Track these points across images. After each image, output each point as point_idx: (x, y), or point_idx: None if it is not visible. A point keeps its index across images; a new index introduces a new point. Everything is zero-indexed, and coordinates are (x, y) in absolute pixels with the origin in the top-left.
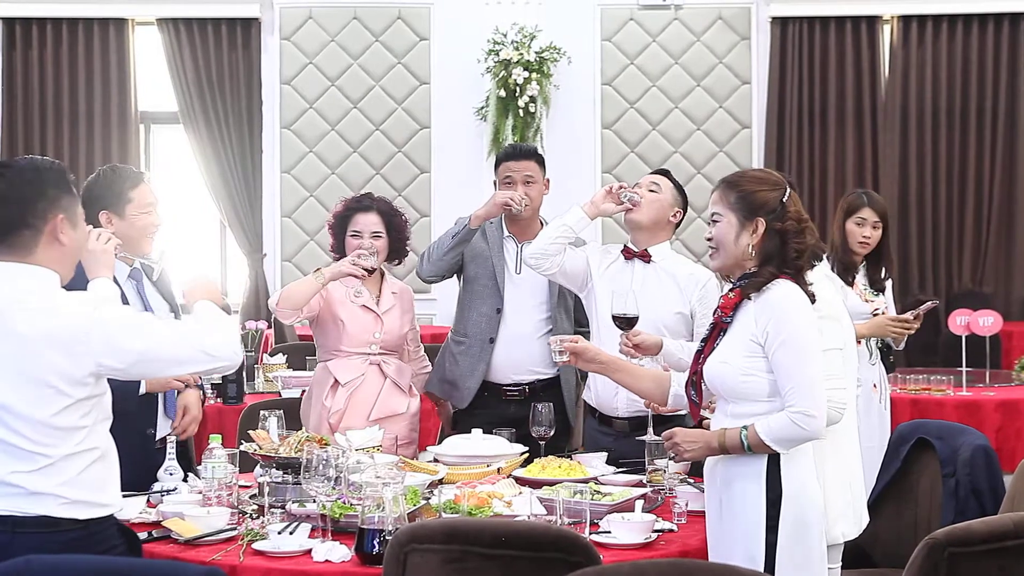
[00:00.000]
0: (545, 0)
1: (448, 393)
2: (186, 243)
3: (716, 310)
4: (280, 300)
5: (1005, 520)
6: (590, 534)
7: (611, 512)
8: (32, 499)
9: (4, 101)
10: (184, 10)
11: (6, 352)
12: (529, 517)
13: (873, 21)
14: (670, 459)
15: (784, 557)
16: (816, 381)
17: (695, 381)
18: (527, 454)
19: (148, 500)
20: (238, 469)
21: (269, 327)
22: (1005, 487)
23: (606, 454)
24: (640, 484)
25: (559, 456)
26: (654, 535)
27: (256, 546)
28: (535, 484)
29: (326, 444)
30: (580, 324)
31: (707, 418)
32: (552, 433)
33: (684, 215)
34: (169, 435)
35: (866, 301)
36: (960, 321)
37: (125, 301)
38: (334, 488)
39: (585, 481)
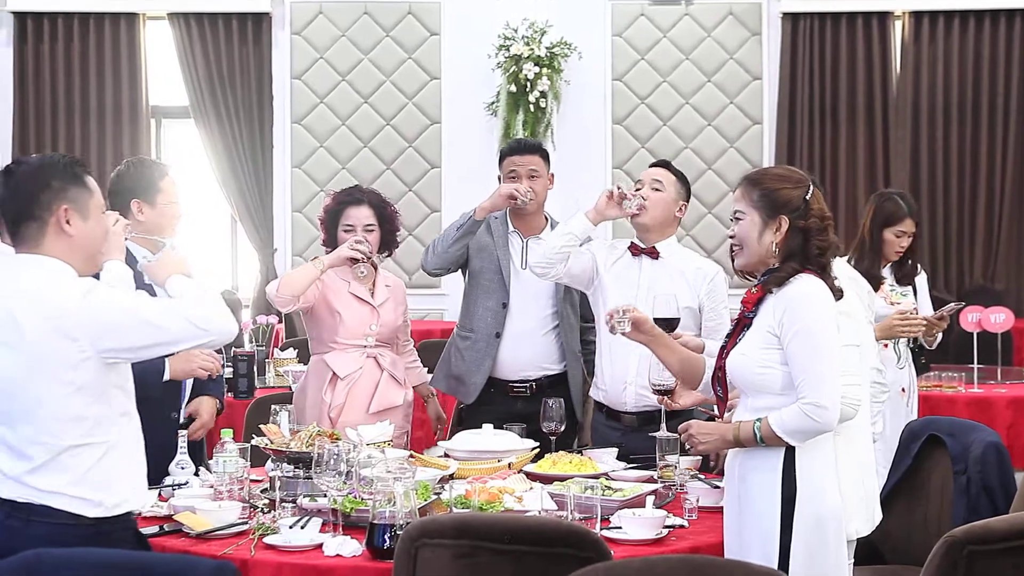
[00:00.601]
0: None
1: (454, 389)
2: (197, 237)
3: (740, 305)
4: (280, 287)
5: None
6: (601, 530)
7: (622, 508)
8: (46, 494)
9: (16, 96)
10: (195, 5)
11: (8, 337)
12: (540, 512)
13: (884, 16)
14: (686, 451)
15: (799, 556)
16: (829, 374)
17: (720, 376)
18: (538, 449)
19: (160, 494)
20: (249, 463)
21: (280, 322)
22: (1016, 484)
23: (616, 450)
24: (651, 480)
25: (569, 452)
26: (665, 531)
27: (267, 540)
28: (546, 479)
29: (337, 439)
30: (585, 320)
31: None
32: (563, 428)
33: (688, 205)
34: (182, 428)
35: (892, 304)
36: (972, 318)
37: (141, 284)
38: (345, 483)
39: (596, 477)
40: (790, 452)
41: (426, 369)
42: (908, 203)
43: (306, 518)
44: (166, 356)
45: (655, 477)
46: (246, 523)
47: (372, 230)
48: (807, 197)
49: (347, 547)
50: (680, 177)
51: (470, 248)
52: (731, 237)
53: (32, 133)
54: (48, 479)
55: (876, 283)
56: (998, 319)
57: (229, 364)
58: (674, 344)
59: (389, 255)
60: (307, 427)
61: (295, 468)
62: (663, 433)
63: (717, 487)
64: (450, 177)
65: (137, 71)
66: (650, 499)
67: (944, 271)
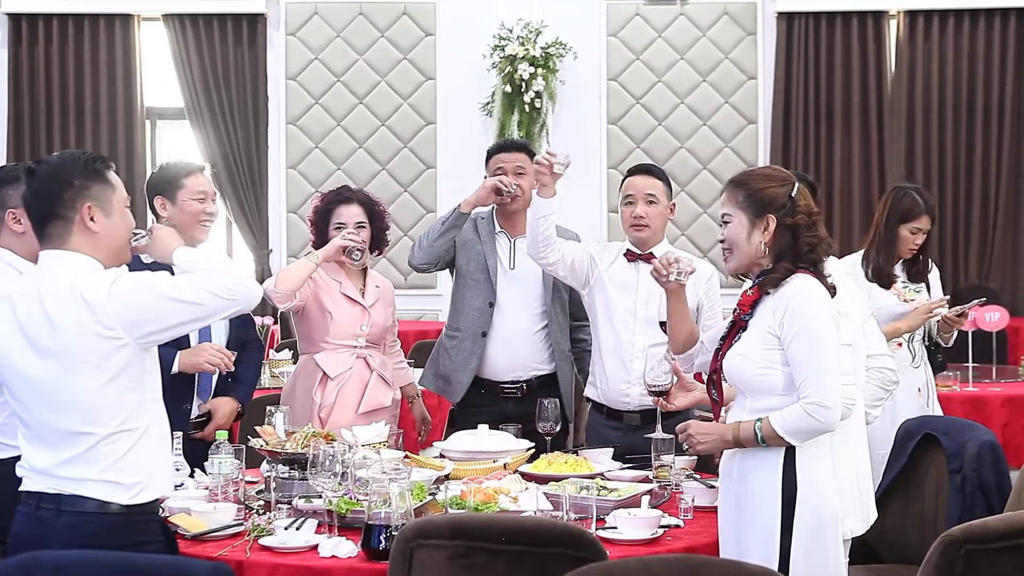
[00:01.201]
0: None
1: (441, 388)
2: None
3: (735, 307)
4: (277, 282)
5: (1023, 516)
6: (596, 530)
7: (617, 508)
8: (77, 483)
9: (10, 97)
10: (190, 6)
11: (40, 335)
12: (535, 513)
13: (879, 16)
14: (684, 452)
15: (799, 556)
16: (831, 373)
17: (715, 380)
18: (533, 450)
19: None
20: (244, 465)
21: (275, 323)
22: (1011, 483)
23: (612, 450)
24: (647, 480)
25: (565, 452)
26: (660, 531)
27: (262, 542)
28: (541, 480)
29: (332, 440)
30: (576, 318)
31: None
32: (558, 428)
33: (675, 203)
34: (198, 418)
35: (905, 300)
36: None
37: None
38: (340, 484)
39: (591, 477)
40: (790, 452)
41: (420, 370)
42: (926, 199)
43: (302, 519)
44: (179, 349)
45: (650, 477)
46: (241, 525)
47: (363, 227)
48: (792, 194)
49: (343, 548)
50: (664, 179)
51: (457, 247)
52: (721, 241)
53: (27, 135)
54: (81, 469)
55: (888, 280)
56: (993, 318)
57: None
58: (686, 311)
59: (380, 254)
60: (302, 428)
61: (290, 469)
62: (659, 434)
63: (712, 487)
64: (445, 177)
65: (132, 72)
66: (645, 499)
67: (939, 270)
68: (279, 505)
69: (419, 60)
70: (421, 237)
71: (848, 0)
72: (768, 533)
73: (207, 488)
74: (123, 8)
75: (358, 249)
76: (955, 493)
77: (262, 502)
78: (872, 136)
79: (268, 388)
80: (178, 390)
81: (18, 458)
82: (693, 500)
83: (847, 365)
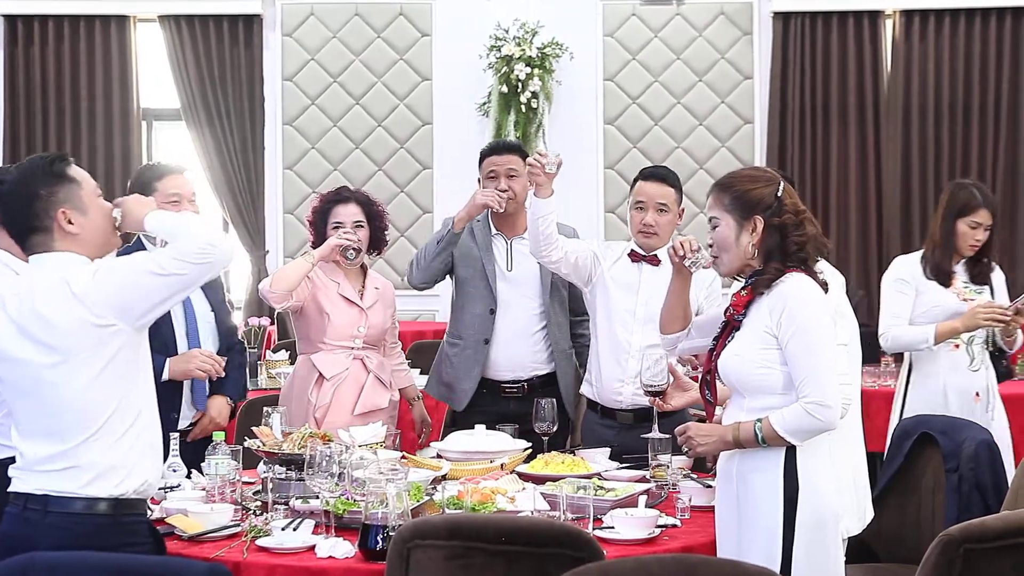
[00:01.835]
0: None
1: (445, 396)
2: None
3: (728, 308)
4: (273, 282)
5: (1021, 516)
6: (593, 529)
7: (614, 507)
8: (66, 476)
9: (6, 99)
10: (186, 7)
11: (36, 332)
12: (532, 513)
13: (875, 16)
14: (684, 453)
15: (801, 555)
16: (830, 371)
17: (709, 380)
18: (530, 450)
19: (152, 496)
20: (241, 465)
21: (272, 323)
22: (1008, 482)
23: (609, 449)
24: (643, 479)
25: (562, 452)
26: (658, 530)
27: (260, 542)
28: (538, 480)
29: (329, 440)
30: (576, 314)
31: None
32: (555, 428)
33: (684, 208)
34: (189, 427)
35: (964, 300)
36: None
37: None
38: (337, 484)
39: (588, 477)
40: (791, 452)
41: (417, 371)
42: (984, 193)
43: (298, 520)
44: (167, 355)
45: (647, 477)
46: (238, 525)
47: (361, 226)
48: (778, 194)
49: (340, 549)
50: (677, 186)
51: (455, 256)
52: (710, 245)
53: (23, 137)
54: (69, 463)
55: (947, 279)
56: None
57: None
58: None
59: (379, 254)
60: (299, 429)
61: (287, 470)
62: (655, 434)
63: (709, 486)
64: (442, 178)
65: (128, 74)
66: (642, 499)
67: None
68: (276, 506)
69: (415, 61)
70: (418, 256)
71: (844, 0)
72: (770, 532)
73: (204, 489)
74: (119, 10)
75: (353, 248)
76: (952, 492)
77: (259, 503)
78: (868, 136)
79: (265, 389)
80: (166, 399)
81: (13, 459)
82: (690, 500)
83: (843, 365)
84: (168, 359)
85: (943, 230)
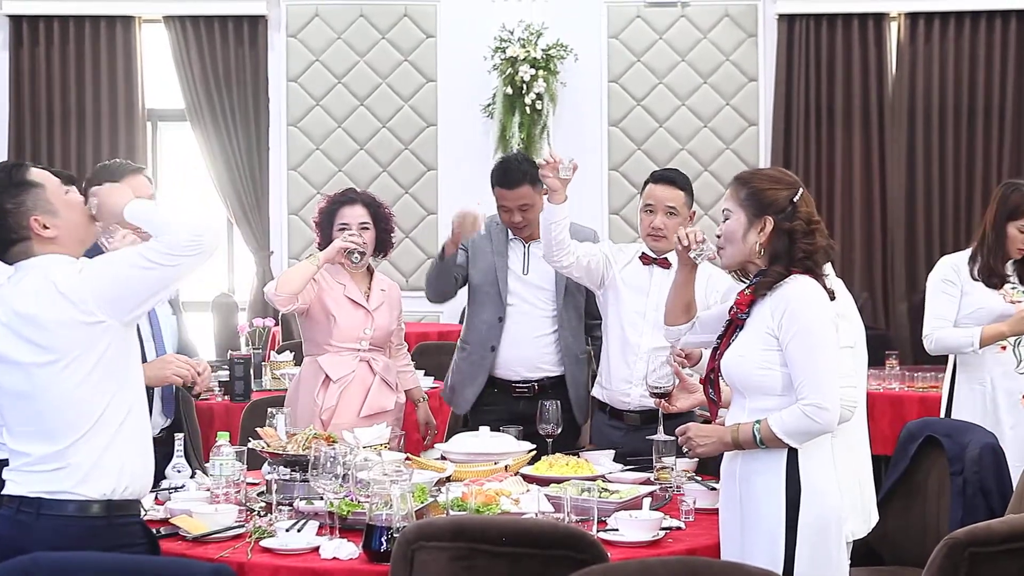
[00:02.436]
0: None
1: (449, 399)
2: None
3: (732, 307)
4: (278, 285)
5: None
6: (598, 532)
7: (619, 510)
8: (57, 476)
9: (11, 99)
10: (191, 8)
11: (28, 334)
12: (536, 515)
13: (880, 18)
14: (683, 455)
15: (804, 557)
16: (829, 374)
17: (713, 379)
18: (535, 451)
19: (156, 497)
20: (246, 466)
21: (276, 324)
22: (1012, 485)
23: (614, 452)
24: (648, 482)
25: (566, 454)
26: (662, 533)
27: (264, 543)
28: (542, 481)
29: (334, 441)
30: (593, 316)
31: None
32: (560, 431)
33: (695, 211)
34: (159, 434)
35: (1012, 303)
36: None
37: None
38: (342, 485)
39: (593, 478)
40: (792, 454)
41: (421, 372)
42: None
43: (303, 521)
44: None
45: (652, 479)
46: (243, 526)
47: (367, 228)
48: (795, 199)
49: (344, 550)
50: (687, 188)
51: (469, 259)
52: (718, 236)
53: (28, 137)
54: (64, 460)
55: (998, 281)
56: None
57: (225, 367)
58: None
59: (385, 256)
60: (303, 430)
61: (291, 471)
62: (661, 436)
63: (714, 489)
64: (446, 179)
65: (133, 74)
66: (647, 501)
67: None
68: (280, 507)
69: (420, 62)
70: (428, 275)
71: (849, 2)
72: (772, 535)
73: (208, 490)
74: (124, 10)
75: (359, 251)
76: (956, 495)
77: (263, 504)
78: (873, 138)
79: (269, 390)
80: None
81: (6, 462)
82: (694, 502)
83: (847, 367)
84: (143, 365)
85: (994, 232)
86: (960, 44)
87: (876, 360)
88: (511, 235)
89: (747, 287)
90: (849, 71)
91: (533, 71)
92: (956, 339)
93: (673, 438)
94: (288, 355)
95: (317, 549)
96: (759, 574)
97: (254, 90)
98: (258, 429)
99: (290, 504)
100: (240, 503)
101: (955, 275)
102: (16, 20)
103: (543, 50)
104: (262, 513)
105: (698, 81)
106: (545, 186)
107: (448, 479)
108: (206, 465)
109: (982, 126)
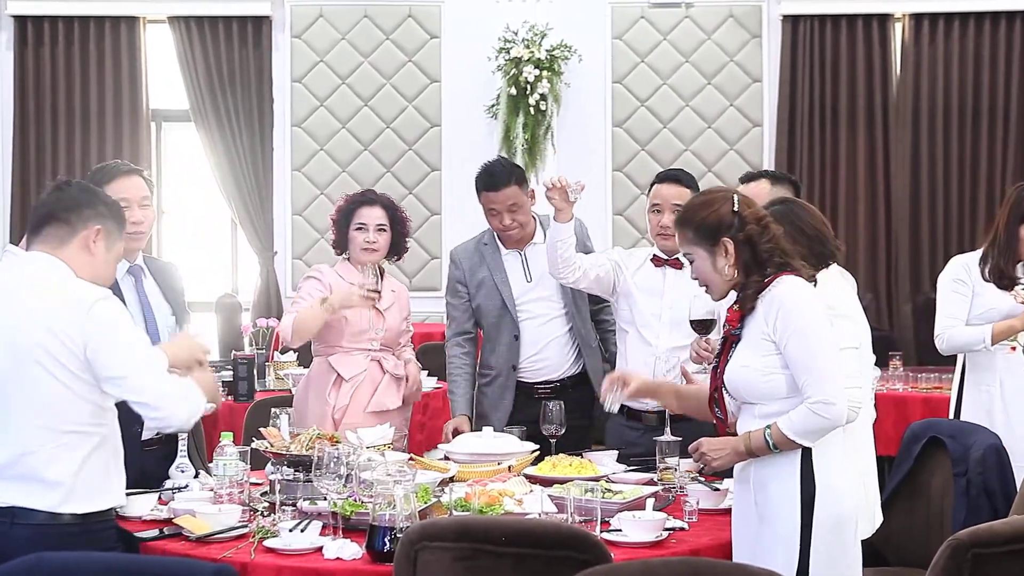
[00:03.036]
0: None
1: (479, 425)
2: (197, 241)
3: (724, 324)
4: (294, 335)
5: None
6: (601, 532)
7: (622, 510)
8: (33, 493)
9: (16, 99)
10: (195, 8)
11: (17, 324)
12: (540, 515)
13: (884, 19)
14: (699, 471)
15: (819, 558)
16: (831, 368)
17: (717, 398)
18: (538, 452)
19: (159, 497)
20: (249, 467)
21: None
22: (1016, 486)
23: (616, 452)
24: (651, 482)
25: (570, 454)
26: (665, 533)
27: (267, 543)
28: (546, 482)
29: (337, 442)
30: (596, 301)
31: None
32: (563, 432)
33: None
34: (148, 440)
35: (1022, 303)
36: None
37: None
38: (345, 485)
39: (596, 479)
40: (807, 454)
41: (425, 372)
42: None
43: (306, 521)
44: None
45: (655, 479)
46: (246, 526)
47: (384, 230)
48: (735, 209)
49: (347, 550)
50: (694, 186)
51: (472, 291)
52: (694, 279)
53: (32, 137)
54: (38, 471)
55: (1008, 283)
56: None
57: (229, 367)
58: (682, 390)
59: (399, 259)
60: (307, 430)
61: (295, 471)
62: (668, 437)
63: (717, 489)
64: (450, 180)
65: (137, 75)
66: (650, 501)
67: None
68: (283, 507)
69: (424, 63)
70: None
71: (853, 3)
72: (788, 536)
73: (212, 490)
74: (129, 11)
75: (373, 295)
76: (960, 496)
77: (267, 504)
78: (877, 139)
79: (272, 390)
80: (127, 412)
81: None
82: (698, 503)
83: (852, 367)
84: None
85: (1006, 234)
86: (964, 45)
87: (880, 361)
88: (504, 249)
89: (734, 303)
90: (853, 72)
91: (537, 72)
92: (968, 336)
93: (679, 439)
94: (292, 355)
95: (320, 549)
96: (763, 575)
97: (258, 91)
98: (262, 429)
99: (293, 504)
100: (243, 503)
101: (967, 275)
102: (21, 20)
103: (547, 51)
104: (265, 513)
105: (702, 82)
106: (551, 205)
107: (451, 479)
108: (209, 465)
109: (986, 127)
